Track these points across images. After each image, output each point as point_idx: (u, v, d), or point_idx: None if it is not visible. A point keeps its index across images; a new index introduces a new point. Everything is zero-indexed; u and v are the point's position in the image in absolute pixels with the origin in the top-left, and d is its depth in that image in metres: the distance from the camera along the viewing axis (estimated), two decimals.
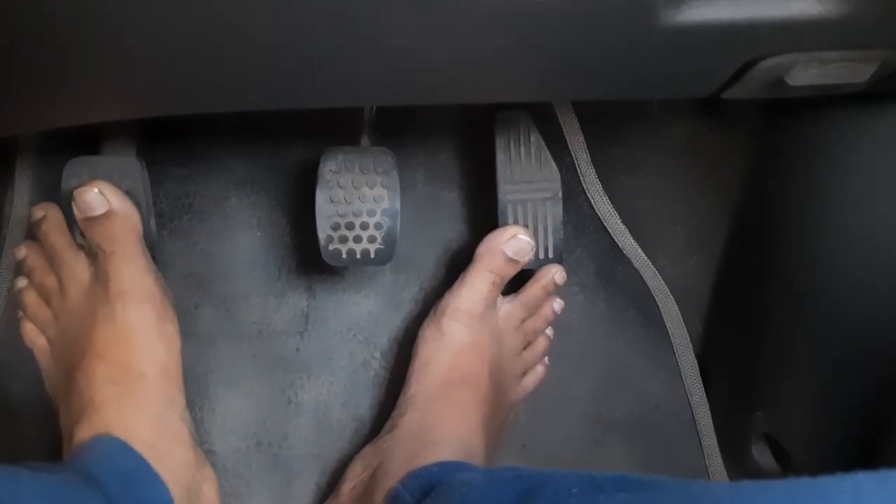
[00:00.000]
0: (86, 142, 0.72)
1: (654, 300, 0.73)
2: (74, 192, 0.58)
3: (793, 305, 0.61)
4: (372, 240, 0.62)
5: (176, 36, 0.32)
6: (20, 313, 0.62)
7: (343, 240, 0.62)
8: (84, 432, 0.54)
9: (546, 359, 0.69)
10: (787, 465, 0.65)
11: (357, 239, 0.62)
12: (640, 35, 0.35)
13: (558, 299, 0.67)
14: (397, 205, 0.62)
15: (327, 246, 0.62)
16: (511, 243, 0.62)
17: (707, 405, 0.72)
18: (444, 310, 0.63)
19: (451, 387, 0.62)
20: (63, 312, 0.60)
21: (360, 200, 0.61)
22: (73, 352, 0.58)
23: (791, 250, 0.61)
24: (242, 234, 0.73)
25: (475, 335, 0.63)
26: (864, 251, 0.55)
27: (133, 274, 0.59)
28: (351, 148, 0.62)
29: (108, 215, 0.58)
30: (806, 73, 0.40)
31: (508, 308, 0.65)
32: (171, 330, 0.61)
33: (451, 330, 0.63)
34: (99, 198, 0.57)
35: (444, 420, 0.61)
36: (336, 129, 0.67)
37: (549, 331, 0.69)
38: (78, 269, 0.60)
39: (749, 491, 0.32)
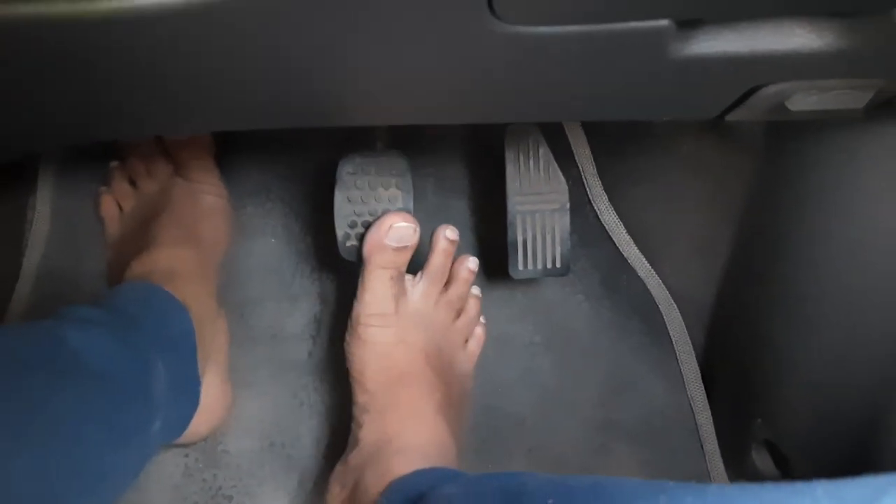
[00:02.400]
0: (106, 151, 0.74)
1: (658, 309, 0.75)
2: None
3: (792, 315, 0.62)
4: None
5: (215, 71, 0.34)
6: (102, 189, 0.74)
7: (359, 237, 0.64)
8: (140, 264, 0.66)
9: (482, 318, 0.68)
10: (787, 471, 0.66)
11: None
12: (650, 67, 0.37)
13: (471, 258, 0.66)
14: (410, 205, 0.64)
15: (344, 243, 0.64)
16: (392, 234, 0.60)
17: (709, 411, 0.74)
18: (358, 319, 0.62)
19: (395, 389, 0.61)
20: (144, 188, 0.73)
21: (376, 200, 0.64)
22: (150, 213, 0.71)
23: (792, 261, 0.62)
24: (257, 241, 0.75)
25: (397, 332, 0.62)
26: (862, 263, 0.56)
27: (210, 179, 0.73)
28: (367, 152, 0.65)
29: (192, 139, 0.72)
30: (806, 99, 0.42)
31: (421, 288, 0.64)
32: (229, 216, 0.74)
33: (371, 335, 0.62)
34: None
35: (403, 425, 0.60)
36: (350, 142, 0.68)
37: (475, 290, 0.68)
38: (163, 163, 0.73)
39: (715, 496, 0.34)
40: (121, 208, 0.74)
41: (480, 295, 0.68)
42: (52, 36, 0.30)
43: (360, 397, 0.62)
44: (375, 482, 0.57)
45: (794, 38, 0.36)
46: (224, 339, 0.70)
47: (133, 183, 0.74)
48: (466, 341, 0.67)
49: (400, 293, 0.62)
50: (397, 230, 0.60)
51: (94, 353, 0.52)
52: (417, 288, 0.64)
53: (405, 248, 0.61)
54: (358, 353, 0.62)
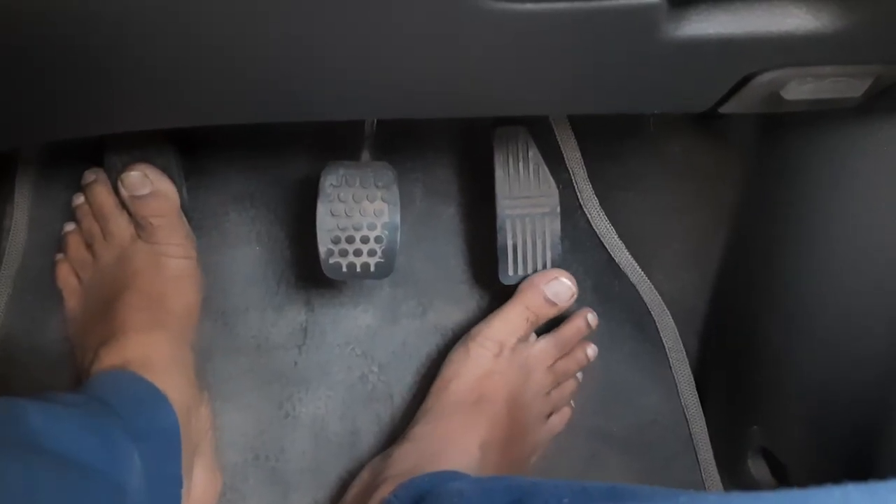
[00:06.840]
0: (84, 158, 0.72)
1: (651, 315, 0.74)
2: (122, 175, 0.64)
3: (788, 320, 0.62)
4: (372, 253, 0.62)
5: (188, 54, 0.33)
6: (59, 256, 0.69)
7: (343, 253, 0.62)
8: (110, 354, 0.61)
9: (572, 401, 0.70)
10: (784, 479, 0.65)
11: (357, 252, 0.62)
12: (641, 49, 0.36)
13: (592, 345, 0.69)
14: (397, 219, 0.62)
15: (328, 259, 0.62)
16: (552, 284, 0.65)
17: (703, 419, 0.72)
18: (475, 336, 0.65)
19: (466, 405, 0.64)
20: (103, 256, 0.67)
21: (361, 214, 0.62)
22: (112, 287, 0.65)
23: (787, 266, 0.61)
24: (241, 249, 0.74)
25: (501, 363, 0.65)
26: (859, 266, 0.55)
27: (174, 239, 0.66)
28: (352, 162, 0.62)
29: (153, 194, 0.64)
30: (801, 87, 0.41)
31: (542, 346, 0.67)
32: (199, 280, 0.69)
33: (477, 355, 0.65)
34: (144, 179, 0.64)
35: (452, 433, 0.62)
36: (336, 143, 0.67)
37: (578, 375, 0.70)
38: (122, 223, 0.66)
39: (738, 502, 0.33)
40: (79, 278, 0.69)
41: (581, 380, 0.70)
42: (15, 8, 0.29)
43: (430, 402, 0.65)
44: (397, 477, 0.58)
45: (790, 18, 0.35)
46: (209, 425, 0.66)
47: (90, 247, 0.68)
48: (550, 415, 0.68)
49: (523, 338, 0.66)
50: (558, 283, 0.65)
51: (55, 432, 0.48)
52: (539, 344, 0.67)
53: (555, 304, 0.65)
54: (455, 365, 0.65)
